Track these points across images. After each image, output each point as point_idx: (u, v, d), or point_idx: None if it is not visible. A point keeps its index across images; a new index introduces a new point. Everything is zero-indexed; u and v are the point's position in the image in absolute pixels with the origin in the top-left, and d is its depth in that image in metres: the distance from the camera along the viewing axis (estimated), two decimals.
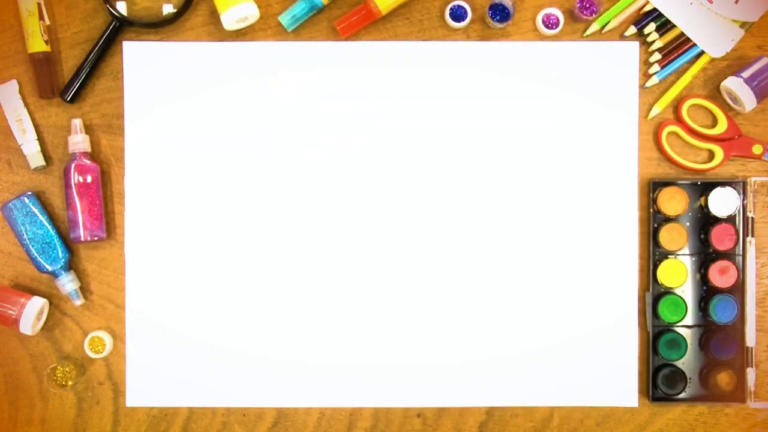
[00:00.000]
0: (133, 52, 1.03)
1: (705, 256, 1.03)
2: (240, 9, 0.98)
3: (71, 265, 1.03)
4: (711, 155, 1.04)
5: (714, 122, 1.04)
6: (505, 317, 1.03)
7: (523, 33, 1.04)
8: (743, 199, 1.02)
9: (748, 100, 1.00)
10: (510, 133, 1.03)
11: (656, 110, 1.03)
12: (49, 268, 1.01)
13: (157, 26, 1.03)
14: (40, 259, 1.01)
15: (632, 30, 1.03)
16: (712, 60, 1.04)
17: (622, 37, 1.04)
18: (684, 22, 1.02)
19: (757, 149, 1.03)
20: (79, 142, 1.01)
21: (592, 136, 1.03)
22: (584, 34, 1.04)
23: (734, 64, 1.04)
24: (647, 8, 1.03)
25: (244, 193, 1.03)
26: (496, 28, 1.03)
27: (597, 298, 1.03)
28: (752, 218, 1.02)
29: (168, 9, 1.02)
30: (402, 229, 1.03)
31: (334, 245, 1.03)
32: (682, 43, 1.03)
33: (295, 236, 1.03)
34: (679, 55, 1.03)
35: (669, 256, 1.03)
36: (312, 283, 1.03)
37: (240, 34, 1.04)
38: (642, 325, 1.03)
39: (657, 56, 1.03)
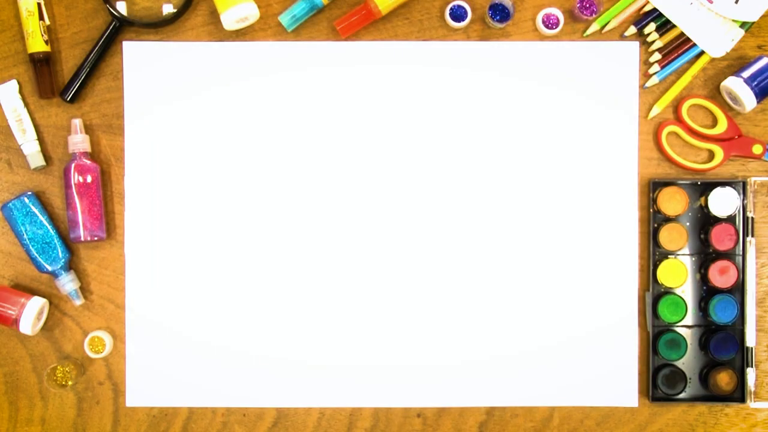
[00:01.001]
0: (133, 52, 1.03)
1: (705, 256, 1.03)
2: (240, 9, 0.98)
3: (71, 265, 1.03)
4: (711, 155, 1.04)
5: (714, 122, 1.04)
6: (505, 317, 1.03)
7: (523, 33, 1.04)
8: (743, 199, 1.02)
9: (748, 100, 1.00)
10: (510, 133, 1.03)
11: (656, 110, 1.03)
12: (49, 268, 1.01)
13: (157, 26, 1.03)
14: (40, 259, 1.01)
15: (632, 30, 1.03)
16: (712, 60, 1.04)
17: (622, 37, 1.04)
18: (684, 22, 1.02)
19: (757, 149, 1.03)
20: (79, 142, 1.01)
21: (592, 136, 1.03)
22: (584, 34, 1.04)
23: (734, 64, 1.04)
24: (647, 8, 1.03)
25: (243, 193, 1.03)
26: (496, 28, 1.03)
27: (597, 298, 1.03)
28: (752, 218, 1.02)
29: (168, 9, 1.02)
30: (402, 229, 1.03)
31: (334, 245, 1.03)
32: (682, 43, 1.03)
33: (295, 236, 1.03)
34: (679, 55, 1.03)
35: (669, 256, 1.03)
36: (312, 283, 1.03)
37: (240, 34, 1.04)
38: (642, 325, 1.03)
39: (657, 56, 1.03)
